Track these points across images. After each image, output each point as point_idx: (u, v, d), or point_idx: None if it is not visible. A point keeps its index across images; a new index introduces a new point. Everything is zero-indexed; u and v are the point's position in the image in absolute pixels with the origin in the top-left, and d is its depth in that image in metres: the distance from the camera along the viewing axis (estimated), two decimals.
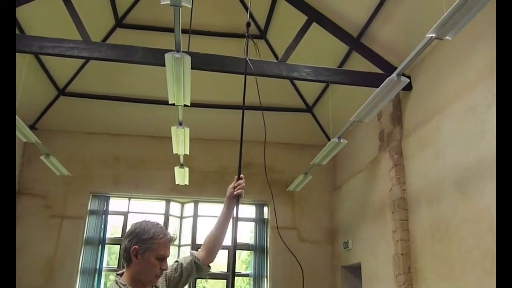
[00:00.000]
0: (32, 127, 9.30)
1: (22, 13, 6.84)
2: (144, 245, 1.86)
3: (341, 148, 6.80)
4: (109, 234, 9.68)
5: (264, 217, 10.24)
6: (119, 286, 1.82)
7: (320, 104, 9.48)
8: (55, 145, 9.09)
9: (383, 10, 6.43)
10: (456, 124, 5.56)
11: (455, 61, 5.69)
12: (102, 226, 9.55)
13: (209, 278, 10.61)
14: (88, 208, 9.65)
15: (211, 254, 2.20)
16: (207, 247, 2.20)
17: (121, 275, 1.92)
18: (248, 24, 2.72)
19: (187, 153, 7.43)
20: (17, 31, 6.98)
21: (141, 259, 1.86)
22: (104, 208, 9.72)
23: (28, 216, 9.06)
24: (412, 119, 6.80)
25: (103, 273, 9.33)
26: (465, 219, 5.26)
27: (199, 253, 2.18)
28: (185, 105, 5.64)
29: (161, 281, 2.00)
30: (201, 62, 6.11)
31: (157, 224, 1.98)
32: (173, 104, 5.57)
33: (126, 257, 1.89)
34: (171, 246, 1.98)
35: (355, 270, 8.67)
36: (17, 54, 6.46)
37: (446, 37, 3.94)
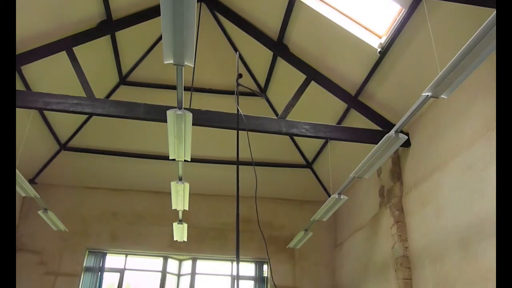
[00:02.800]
0: (31, 181, 9.29)
1: (29, 70, 7.04)
2: None
3: (342, 204, 6.75)
4: None
5: (264, 275, 9.97)
6: None
7: (320, 160, 9.53)
8: (54, 199, 9.04)
9: (380, 69, 6.62)
10: (456, 182, 5.55)
11: (453, 118, 5.78)
12: (98, 284, 9.27)
13: None
14: (84, 264, 9.42)
15: None
16: None
17: None
18: (239, 76, 2.80)
19: (186, 208, 7.36)
20: (23, 88, 7.15)
21: None
22: (100, 265, 9.49)
23: (22, 273, 8.81)
24: (412, 175, 6.80)
25: None
26: (471, 279, 5.12)
27: None
28: (185, 161, 5.66)
29: None
30: (202, 119, 6.21)
31: None
32: (174, 160, 5.59)
33: None
34: None
35: None
36: (21, 110, 6.59)
37: (442, 96, 4.04)
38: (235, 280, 9.88)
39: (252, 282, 9.90)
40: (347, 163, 7.56)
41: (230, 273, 9.96)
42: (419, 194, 6.49)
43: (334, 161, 7.95)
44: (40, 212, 7.36)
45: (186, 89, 5.31)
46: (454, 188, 5.59)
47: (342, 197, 6.48)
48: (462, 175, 5.42)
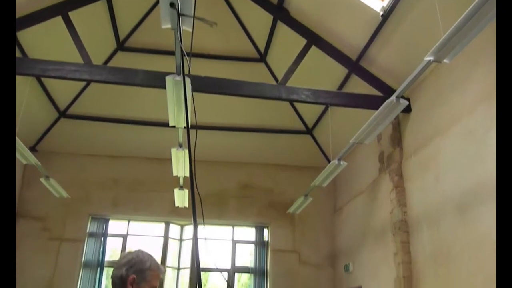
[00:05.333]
0: (32, 149, 9.31)
1: (25, 36, 6.93)
2: (141, 275, 1.90)
3: (341, 170, 6.79)
4: (108, 257, 9.57)
5: (264, 239, 10.15)
6: None
7: (320, 126, 9.52)
8: (55, 167, 9.08)
9: (382, 34, 6.51)
10: (456, 147, 5.56)
11: (454, 84, 5.73)
12: (101, 249, 9.46)
13: None
14: (87, 230, 9.57)
15: None
16: None
17: None
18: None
19: (187, 175, 7.41)
20: (19, 54, 7.05)
21: None
22: (103, 231, 9.65)
23: (26, 239, 8.97)
24: (412, 141, 6.81)
25: None
26: (467, 243, 5.21)
27: None
28: (185, 127, 5.65)
29: None
30: (201, 85, 6.16)
31: (151, 256, 2.02)
32: (174, 127, 5.58)
33: (120, 285, 1.89)
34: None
35: None
36: (19, 77, 6.52)
37: (444, 60, 3.99)
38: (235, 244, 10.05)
39: (252, 246, 10.09)
40: (347, 129, 7.55)
41: (230, 238, 10.14)
42: (418, 159, 6.52)
43: (334, 127, 7.94)
44: (42, 179, 7.42)
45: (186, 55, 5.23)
46: (454, 153, 5.61)
47: (341, 163, 6.51)
48: (462, 140, 5.42)
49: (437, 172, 5.96)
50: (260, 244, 10.06)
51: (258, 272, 9.79)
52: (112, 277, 1.92)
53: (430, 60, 3.99)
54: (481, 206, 4.91)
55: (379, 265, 7.48)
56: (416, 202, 6.54)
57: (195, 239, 2.00)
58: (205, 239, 2.05)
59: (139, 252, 1.98)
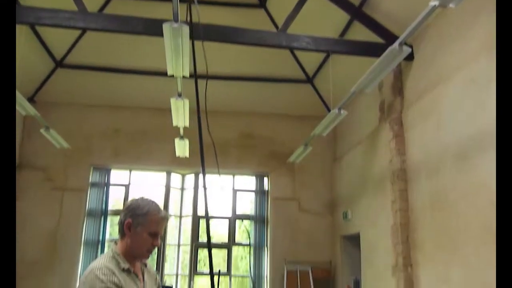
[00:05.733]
0: (30, 100, 9.25)
1: None
2: (137, 220, 1.97)
3: (342, 119, 6.77)
4: (111, 206, 9.78)
5: (264, 188, 10.32)
6: (113, 254, 1.93)
7: (321, 75, 9.40)
8: (55, 118, 9.05)
9: None
10: (458, 95, 5.51)
11: (458, 31, 5.59)
12: (104, 198, 9.63)
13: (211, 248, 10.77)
14: (90, 180, 9.71)
15: None
16: None
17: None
18: None
19: (187, 125, 7.40)
20: None
21: (133, 233, 1.97)
22: (105, 181, 9.79)
23: (29, 189, 9.12)
24: (414, 89, 6.75)
25: (106, 244, 9.47)
26: (465, 191, 5.29)
27: None
28: (184, 77, 5.57)
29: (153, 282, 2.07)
30: (200, 32, 6.00)
31: (153, 202, 2.07)
32: (172, 76, 5.51)
33: (120, 229, 2.02)
34: (164, 224, 2.04)
35: (354, 240, 8.79)
36: None
37: (450, 5, 3.86)
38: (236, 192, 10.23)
39: (253, 195, 10.27)
40: (348, 78, 7.45)
41: (231, 186, 10.30)
42: (420, 108, 6.48)
43: (335, 76, 7.83)
44: (42, 130, 7.42)
45: (184, 0, 5.06)
46: (456, 101, 5.57)
47: (342, 112, 6.48)
48: (465, 88, 5.37)
49: (438, 121, 5.95)
50: (261, 193, 10.24)
51: (259, 220, 10.04)
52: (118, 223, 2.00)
53: (435, 5, 3.87)
54: (482, 154, 4.94)
55: (377, 213, 7.64)
56: (415, 151, 6.58)
57: (204, 189, 2.02)
58: (205, 188, 2.06)
59: (139, 199, 2.04)
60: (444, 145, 5.78)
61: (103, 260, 1.89)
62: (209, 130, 2.10)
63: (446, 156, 5.71)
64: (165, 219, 2.02)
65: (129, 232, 1.96)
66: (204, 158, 2.02)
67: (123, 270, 1.88)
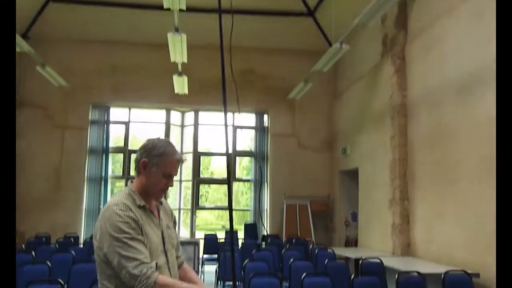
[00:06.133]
0: (24, 36, 9.00)
1: None
2: (152, 160, 1.97)
3: (343, 54, 6.63)
4: (112, 144, 9.85)
5: (264, 125, 10.34)
6: (129, 191, 1.96)
7: (322, 8, 9.08)
8: (50, 55, 8.86)
9: None
10: (463, 29, 5.36)
11: None
12: (105, 136, 9.68)
13: (211, 183, 11.02)
14: (89, 118, 9.70)
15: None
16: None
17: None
18: None
19: (185, 61, 7.26)
20: None
21: (148, 173, 1.97)
22: (105, 118, 9.78)
23: (30, 127, 9.14)
24: (417, 22, 6.55)
25: (109, 180, 9.65)
26: (465, 125, 5.29)
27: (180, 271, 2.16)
28: (181, 10, 5.38)
29: (171, 230, 2.09)
30: None
31: (169, 143, 2.06)
32: (169, 9, 5.32)
33: (136, 168, 2.02)
34: (179, 166, 2.06)
35: (353, 175, 8.95)
36: None
37: None
38: (236, 129, 10.27)
39: (253, 131, 10.32)
40: (350, 11, 7.20)
41: (231, 123, 10.32)
42: (423, 41, 6.33)
43: (337, 8, 7.57)
44: (38, 68, 7.31)
45: None
46: (460, 35, 5.43)
47: (344, 46, 6.33)
48: (469, 22, 5.21)
49: (441, 54, 5.83)
50: (260, 129, 10.28)
51: (259, 156, 10.16)
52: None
53: None
54: (484, 89, 4.89)
55: (375, 148, 7.71)
56: (417, 86, 6.51)
57: (224, 126, 2.01)
58: (226, 125, 2.09)
59: (156, 139, 2.04)
60: (446, 79, 5.70)
61: (120, 197, 1.92)
62: (231, 67, 2.06)
63: (448, 91, 5.66)
64: (180, 161, 2.03)
65: (144, 171, 1.98)
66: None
67: (139, 206, 1.93)
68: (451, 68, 5.59)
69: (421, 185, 6.37)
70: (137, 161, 1.99)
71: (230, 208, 2.26)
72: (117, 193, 2.00)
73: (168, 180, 2.01)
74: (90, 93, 9.63)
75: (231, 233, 2.22)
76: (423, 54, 6.30)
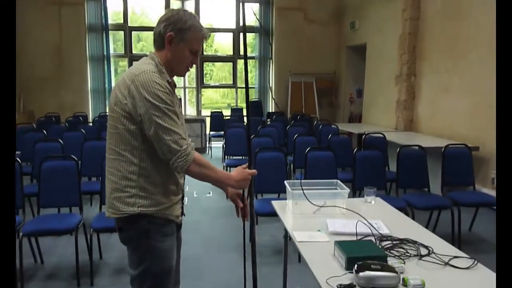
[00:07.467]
0: None
1: None
2: (179, 35, 1.78)
3: None
4: (111, 21, 9.47)
5: None
6: (156, 63, 1.78)
7: None
8: None
9: None
10: None
11: None
12: (103, 13, 9.27)
13: (216, 61, 10.84)
14: None
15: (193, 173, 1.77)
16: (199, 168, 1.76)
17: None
18: None
19: None
20: None
21: (174, 48, 1.79)
22: None
23: (24, 3, 8.72)
24: None
25: (112, 60, 9.49)
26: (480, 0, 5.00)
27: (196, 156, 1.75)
28: None
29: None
30: None
31: (195, 16, 1.84)
32: None
33: (159, 41, 1.81)
34: (204, 42, 1.90)
35: (360, 50, 8.73)
36: None
37: None
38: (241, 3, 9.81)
39: (257, 5, 9.82)
40: None
41: None
42: None
43: None
44: None
45: None
46: None
47: None
48: None
49: None
50: (265, 3, 9.77)
51: (263, 31, 9.82)
52: (153, 34, 1.83)
53: None
54: None
55: (385, 22, 7.40)
56: None
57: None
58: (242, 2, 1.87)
59: (180, 10, 1.82)
60: None
61: (149, 66, 1.73)
62: None
63: None
64: (206, 36, 1.87)
65: (169, 46, 1.78)
66: None
67: (168, 82, 1.76)
68: None
69: (430, 60, 6.25)
70: (159, 34, 1.78)
71: (246, 86, 2.11)
72: (142, 60, 1.82)
73: (194, 57, 1.84)
74: None
75: (247, 112, 2.12)
76: None
